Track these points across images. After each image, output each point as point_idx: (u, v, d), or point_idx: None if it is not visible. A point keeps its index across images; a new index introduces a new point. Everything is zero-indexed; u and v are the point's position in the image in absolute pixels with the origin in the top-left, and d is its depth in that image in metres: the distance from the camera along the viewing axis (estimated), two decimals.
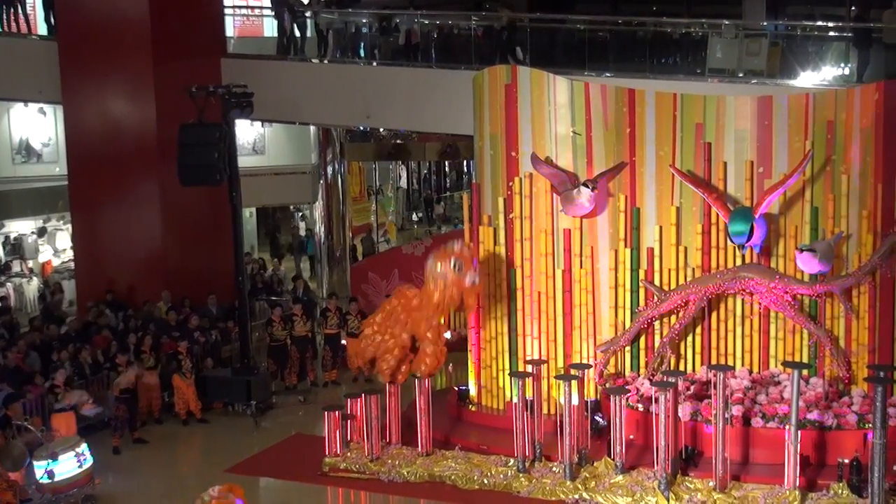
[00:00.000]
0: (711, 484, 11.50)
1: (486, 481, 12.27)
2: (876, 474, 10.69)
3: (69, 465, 11.84)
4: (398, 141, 27.65)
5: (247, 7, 23.38)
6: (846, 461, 11.49)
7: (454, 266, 12.52)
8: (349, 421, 13.39)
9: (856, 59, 17.68)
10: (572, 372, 12.91)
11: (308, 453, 13.46)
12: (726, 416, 11.71)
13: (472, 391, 14.71)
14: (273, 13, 20.68)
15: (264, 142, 23.29)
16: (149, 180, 18.34)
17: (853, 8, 21.78)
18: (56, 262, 23.31)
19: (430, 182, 39.31)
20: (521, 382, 12.57)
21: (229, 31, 21.41)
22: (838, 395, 12.82)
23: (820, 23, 21.24)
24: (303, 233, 27.85)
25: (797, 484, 11.26)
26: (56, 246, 23.65)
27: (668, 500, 11.36)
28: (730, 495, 11.35)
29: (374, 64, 19.94)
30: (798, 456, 11.30)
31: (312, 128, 23.21)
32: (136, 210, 18.45)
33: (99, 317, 17.25)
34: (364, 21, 20.85)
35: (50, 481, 11.60)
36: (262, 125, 22.80)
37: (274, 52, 20.49)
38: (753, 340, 13.56)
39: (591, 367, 13.59)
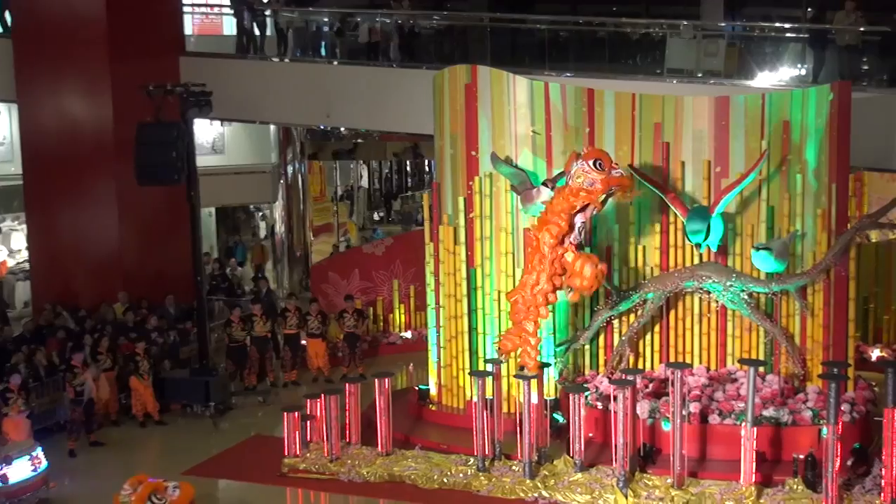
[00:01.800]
0: (669, 481, 11.60)
1: (445, 480, 12.27)
2: (830, 469, 10.84)
3: (23, 468, 11.70)
4: (359, 140, 27.61)
5: (206, 5, 23.16)
6: (801, 457, 11.64)
7: (595, 164, 11.97)
8: (309, 421, 13.33)
9: (812, 59, 17.92)
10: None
11: (267, 454, 13.37)
12: (684, 413, 11.82)
13: (433, 390, 14.71)
14: (232, 11, 20.53)
15: (223, 141, 23.11)
16: (105, 180, 18.15)
17: (809, 9, 22.06)
18: (11, 263, 22.98)
19: (392, 181, 39.23)
20: (480, 381, 12.59)
21: (188, 29, 21.22)
22: (794, 392, 12.97)
23: (777, 24, 21.50)
24: (262, 233, 27.68)
25: (753, 480, 11.38)
26: (11, 246, 23.31)
27: (627, 497, 11.44)
28: (687, 492, 11.45)
29: (335, 63, 19.87)
30: (754, 452, 11.43)
31: (272, 127, 23.09)
32: (93, 210, 18.25)
33: (55, 318, 17.03)
34: (325, 20, 20.77)
35: (3, 485, 11.43)
36: (222, 124, 22.63)
37: (233, 50, 20.34)
38: (711, 338, 13.68)
39: (550, 365, 13.64)
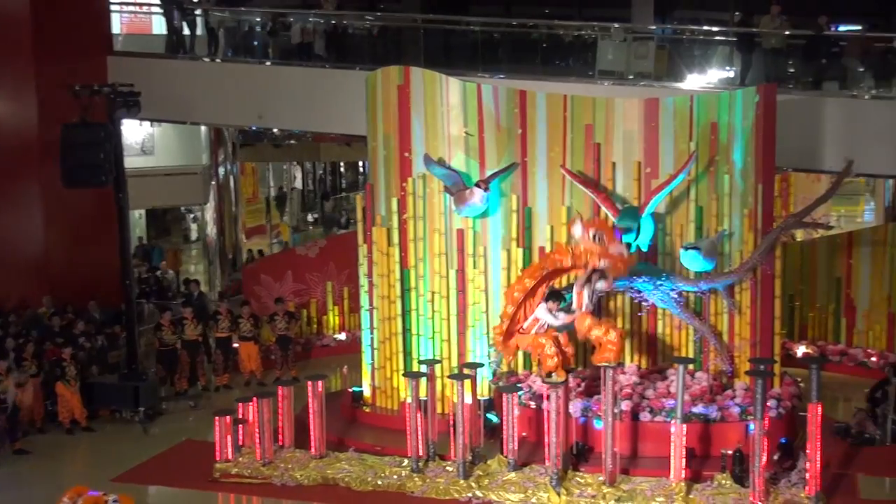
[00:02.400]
0: (601, 478, 11.72)
1: (379, 482, 12.23)
2: (757, 464, 11.05)
3: None
4: (292, 141, 27.43)
5: (134, 4, 22.78)
6: (729, 452, 11.85)
7: (594, 237, 12.05)
8: (241, 425, 13.19)
9: (739, 62, 18.27)
10: (465, 371, 12.99)
11: (199, 459, 13.18)
12: (615, 411, 11.94)
13: (366, 392, 14.66)
14: (161, 10, 20.23)
15: (153, 142, 22.76)
16: (30, 182, 17.74)
17: (736, 13, 22.50)
18: None
19: (326, 182, 39.09)
20: (414, 383, 12.58)
21: (116, 28, 20.86)
22: (722, 389, 13.20)
23: (705, 27, 21.87)
24: (194, 235, 27.37)
25: (683, 476, 11.55)
26: None
27: (560, 496, 11.52)
28: (619, 489, 11.58)
29: (268, 63, 19.70)
30: (684, 448, 11.60)
31: (203, 128, 22.81)
32: (17, 213, 17.81)
33: None
34: (257, 20, 20.58)
35: None
36: (151, 125, 22.28)
37: (163, 50, 20.04)
38: (641, 337, 13.86)
39: (484, 365, 13.68)
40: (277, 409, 13.15)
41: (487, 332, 13.91)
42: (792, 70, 18.39)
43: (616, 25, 19.50)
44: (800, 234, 17.35)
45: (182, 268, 23.87)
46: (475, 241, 13.93)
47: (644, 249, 13.37)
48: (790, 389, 13.38)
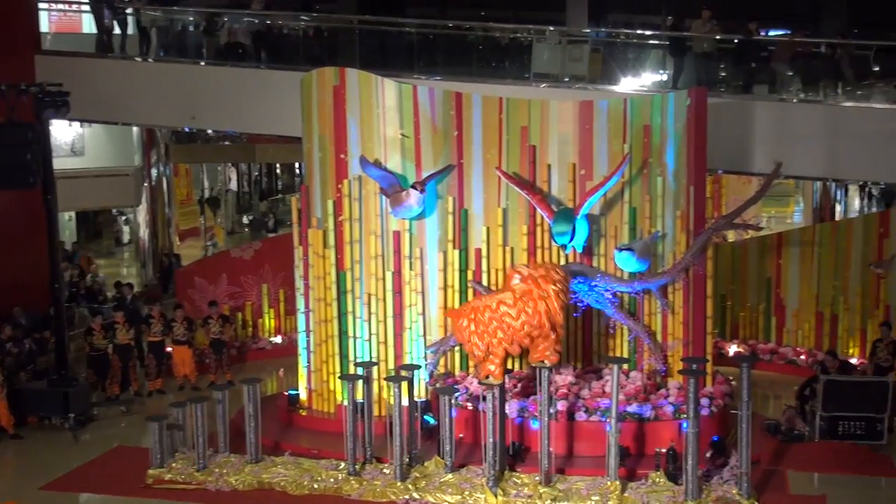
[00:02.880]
0: (538, 478, 11.78)
1: (316, 486, 12.15)
2: (690, 462, 11.21)
3: None
4: (226, 142, 27.14)
5: (63, 2, 22.32)
6: (663, 451, 12.01)
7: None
8: (175, 430, 12.99)
9: (671, 66, 18.55)
10: (402, 373, 12.97)
11: (131, 465, 12.97)
12: (551, 411, 12.02)
13: (303, 395, 14.55)
14: (91, 9, 19.85)
15: (83, 142, 22.33)
16: None
17: (669, 17, 22.83)
18: None
19: (262, 184, 38.75)
20: (350, 385, 12.52)
21: (44, 26, 20.42)
22: (656, 388, 13.37)
23: (638, 31, 22.17)
24: (126, 238, 26.91)
25: (618, 474, 11.67)
26: None
27: (496, 496, 11.55)
28: (555, 488, 11.65)
29: (202, 63, 19.44)
30: (618, 447, 11.72)
31: (135, 128, 22.44)
32: None
33: None
34: (190, 19, 20.31)
35: None
36: (81, 125, 21.87)
37: (93, 49, 19.67)
38: (577, 337, 13.98)
39: (421, 367, 13.68)
40: (212, 414, 12.97)
41: (424, 335, 13.91)
42: (723, 74, 18.73)
43: (551, 28, 19.68)
44: (731, 235, 17.65)
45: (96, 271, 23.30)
46: (411, 243, 13.91)
47: (579, 250, 13.48)
48: (722, 388, 13.60)
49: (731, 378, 14.10)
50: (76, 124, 21.67)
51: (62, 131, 21.51)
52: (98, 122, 21.22)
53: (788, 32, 20.88)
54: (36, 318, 17.01)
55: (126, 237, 27.94)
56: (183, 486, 12.37)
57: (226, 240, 29.90)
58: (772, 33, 22.05)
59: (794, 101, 17.30)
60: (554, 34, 19.23)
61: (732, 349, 17.31)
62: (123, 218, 28.30)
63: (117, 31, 19.55)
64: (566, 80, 18.33)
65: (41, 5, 20.07)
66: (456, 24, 20.58)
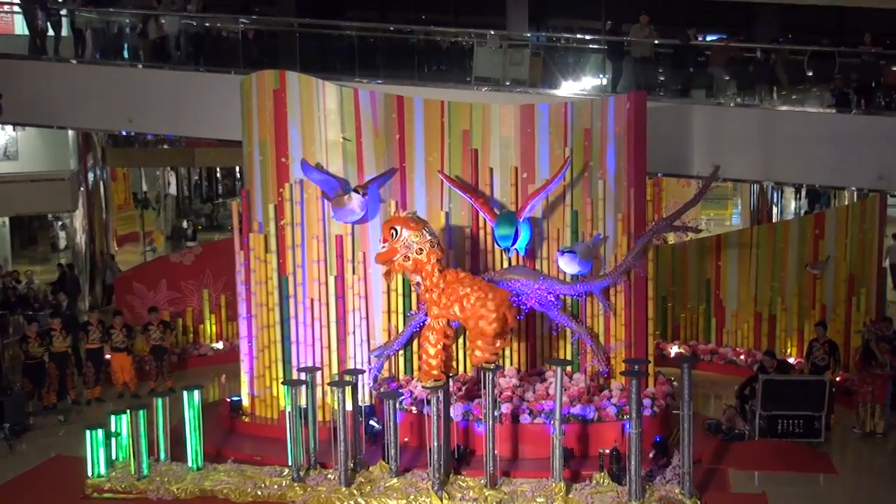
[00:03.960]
0: (483, 481, 11.79)
1: (259, 493, 12.02)
2: (633, 462, 11.31)
3: None
4: (165, 146, 26.76)
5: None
6: (606, 451, 12.10)
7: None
8: (114, 439, 12.76)
9: (610, 70, 18.73)
10: (346, 378, 12.90)
11: (70, 475, 12.72)
12: (496, 414, 12.04)
13: (245, 402, 14.39)
14: (22, 10, 19.42)
15: (17, 146, 21.84)
16: None
17: (608, 22, 23.06)
18: None
19: (202, 188, 38.31)
20: (294, 391, 12.42)
21: None
22: (599, 390, 13.47)
23: (578, 35, 22.35)
24: (63, 243, 26.37)
25: (562, 476, 11.73)
26: None
27: (442, 500, 11.54)
28: (500, 491, 11.67)
29: (139, 66, 19.14)
30: (562, 449, 11.77)
31: (71, 132, 22.02)
32: None
33: None
34: (127, 21, 19.98)
35: None
36: (15, 129, 21.39)
37: (26, 50, 19.24)
38: (521, 340, 14.03)
39: (365, 372, 13.62)
40: (153, 421, 12.76)
41: (368, 339, 13.85)
42: (661, 78, 18.98)
43: (492, 32, 19.73)
44: (671, 238, 17.92)
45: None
46: (354, 247, 13.85)
47: (522, 253, 13.54)
48: (664, 388, 13.75)
49: (672, 379, 14.27)
50: (9, 128, 21.20)
51: None
52: (32, 126, 20.78)
53: (724, 37, 21.20)
54: None
55: (62, 243, 27.35)
56: (123, 496, 12.17)
57: (164, 245, 29.46)
58: (708, 38, 22.37)
59: (731, 105, 17.60)
60: (495, 38, 19.31)
61: (674, 350, 17.52)
62: (60, 223, 27.73)
63: (51, 32, 19.15)
64: (507, 83, 18.42)
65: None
66: (397, 27, 20.55)
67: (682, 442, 11.50)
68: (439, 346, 11.89)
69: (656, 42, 18.40)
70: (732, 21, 25.24)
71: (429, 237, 11.78)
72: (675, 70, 18.83)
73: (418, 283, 12.04)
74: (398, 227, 11.72)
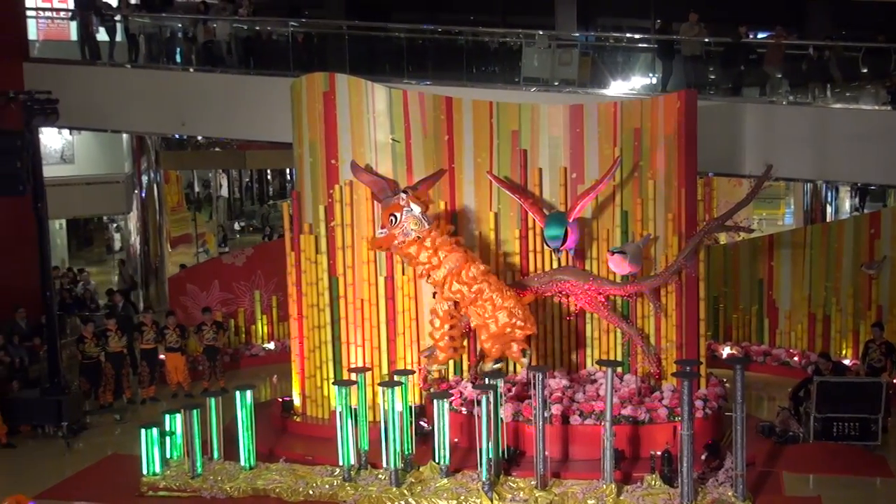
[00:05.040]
0: (533, 482, 11.78)
1: (311, 492, 12.12)
2: (685, 464, 11.22)
3: None
4: (216, 149, 27.10)
5: (52, 9, 22.26)
6: (658, 453, 12.01)
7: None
8: (168, 437, 12.95)
9: (660, 69, 18.59)
10: (396, 378, 12.95)
11: (125, 473, 12.92)
12: (546, 415, 12.02)
13: (297, 402, 14.52)
14: (78, 16, 19.81)
15: (73, 150, 22.27)
16: None
17: (657, 21, 22.90)
18: None
19: (253, 190, 38.74)
20: (344, 391, 12.50)
21: (32, 33, 20.36)
22: (650, 391, 13.38)
23: (627, 34, 22.22)
24: (117, 245, 26.79)
25: (613, 478, 11.67)
26: None
27: (492, 501, 11.55)
28: (550, 492, 11.65)
29: (191, 70, 19.40)
30: (613, 450, 11.71)
31: (125, 135, 22.39)
32: None
33: None
34: (179, 25, 20.28)
35: None
36: (71, 133, 21.82)
37: (82, 56, 19.62)
38: (570, 341, 13.98)
39: (415, 372, 13.66)
40: (206, 421, 12.92)
41: (417, 340, 13.90)
42: (712, 76, 18.79)
43: (540, 33, 19.69)
44: (723, 238, 17.67)
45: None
46: None
47: (571, 254, 13.49)
48: (716, 390, 13.62)
49: (724, 380, 14.12)
50: (66, 132, 21.62)
51: (52, 139, 21.46)
52: (88, 130, 21.19)
53: (773, 34, 20.94)
54: (29, 326, 16.92)
55: (117, 244, 27.82)
56: (178, 494, 12.33)
57: (217, 246, 29.81)
58: (760, 36, 22.12)
59: (784, 103, 17.37)
60: (543, 38, 19.27)
61: (725, 351, 17.34)
62: (114, 225, 28.21)
63: (105, 37, 19.49)
64: (556, 83, 18.36)
65: (29, 13, 19.99)
66: (445, 28, 20.60)
67: (734, 444, 11.39)
68: (445, 328, 12.00)
69: (706, 40, 18.23)
70: (784, 18, 24.93)
71: (426, 224, 12.22)
72: (725, 68, 18.63)
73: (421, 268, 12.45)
74: (397, 215, 12.11)
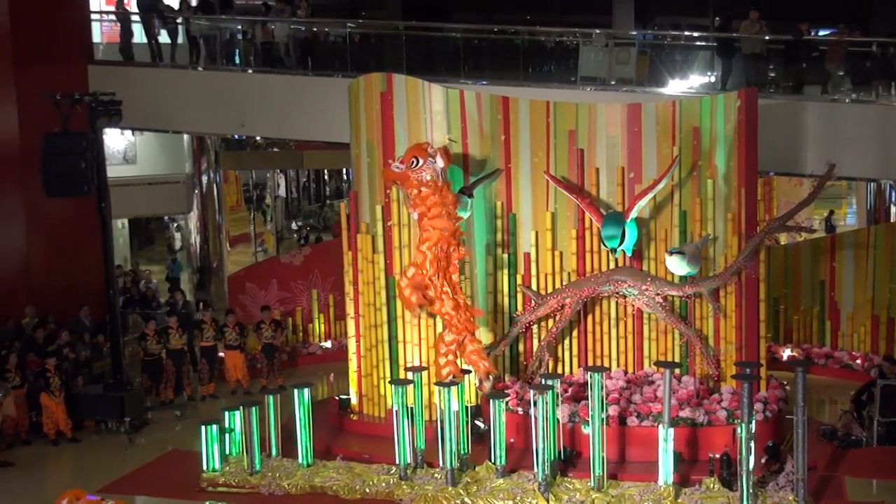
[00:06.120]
0: (590, 483, 11.72)
1: (368, 490, 12.21)
2: (744, 468, 11.08)
3: None
4: (275, 149, 27.37)
5: (115, 13, 22.68)
6: (717, 456, 11.88)
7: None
8: (228, 434, 13.13)
9: (720, 67, 18.37)
10: (452, 378, 12.97)
11: (185, 469, 13.14)
12: (603, 416, 11.96)
13: (353, 400, 14.62)
14: (141, 19, 20.16)
15: (135, 150, 22.67)
16: (11, 192, 17.62)
17: (716, 18, 22.63)
18: None
19: (310, 190, 39.02)
20: (401, 390, 12.56)
21: (97, 36, 20.76)
22: (708, 393, 13.24)
23: (686, 32, 21.98)
24: (178, 244, 27.18)
25: (671, 480, 11.57)
26: None
27: (548, 502, 11.52)
28: (607, 494, 11.58)
29: (250, 71, 19.64)
30: (671, 453, 11.61)
31: (186, 136, 22.74)
32: None
33: None
34: (238, 27, 20.54)
35: None
36: (133, 133, 22.21)
37: (144, 58, 19.96)
38: (628, 342, 13.89)
39: (471, 372, 13.67)
40: (265, 418, 13.08)
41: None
42: (773, 74, 18.51)
43: (597, 31, 19.57)
44: (783, 238, 17.45)
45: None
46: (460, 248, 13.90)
47: (629, 254, 13.40)
48: (776, 393, 13.43)
49: (785, 383, 13.91)
50: (128, 133, 22.02)
51: (115, 140, 21.85)
52: (150, 131, 21.56)
53: (837, 31, 20.57)
54: (93, 323, 17.27)
55: (178, 244, 28.23)
56: (237, 490, 12.50)
57: (275, 245, 30.12)
58: (822, 33, 21.74)
59: (846, 101, 17.05)
60: (600, 37, 19.14)
61: (786, 353, 17.08)
62: (175, 225, 28.64)
63: (165, 40, 19.82)
64: (613, 83, 18.24)
65: (93, 16, 20.39)
66: (501, 28, 20.57)
67: (795, 448, 11.22)
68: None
69: (767, 38, 17.97)
70: (848, 14, 24.50)
71: (440, 181, 12.47)
72: (786, 66, 18.34)
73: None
74: (419, 159, 12.37)
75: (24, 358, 15.13)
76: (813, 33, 19.88)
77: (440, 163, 12.48)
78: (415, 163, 12.40)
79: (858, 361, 16.65)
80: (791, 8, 23.24)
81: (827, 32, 21.46)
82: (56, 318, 17.00)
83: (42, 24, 17.90)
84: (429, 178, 12.43)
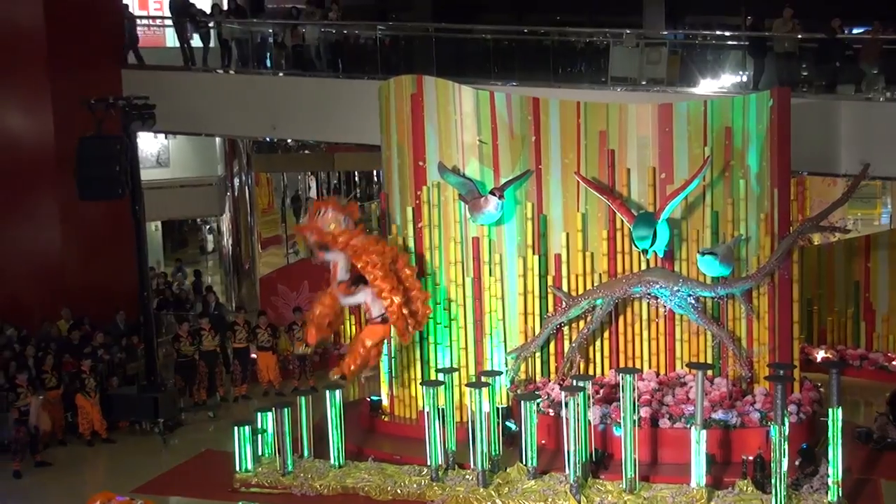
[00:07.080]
0: (621, 486, 11.68)
1: (399, 491, 12.25)
2: (778, 470, 10.99)
3: None
4: (306, 151, 27.49)
5: (148, 17, 22.89)
6: (750, 458, 11.80)
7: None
8: (260, 435, 13.21)
9: (752, 67, 18.22)
10: (483, 379, 12.98)
11: (219, 469, 13.26)
12: (635, 418, 11.91)
13: (385, 401, 14.66)
14: (174, 24, 20.33)
15: (168, 154, 22.87)
16: (47, 195, 17.85)
17: (748, 18, 22.45)
18: None
19: (341, 192, 39.11)
20: (432, 391, 12.58)
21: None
22: (741, 394, 13.15)
23: (717, 32, 21.82)
24: (210, 246, 27.37)
25: (704, 482, 11.50)
26: None
27: (580, 503, 11.49)
28: (639, 496, 11.54)
29: (281, 74, 19.75)
30: (704, 455, 11.55)
31: (218, 139, 22.90)
32: (34, 225, 17.93)
33: None
34: (269, 31, 20.66)
35: None
36: (166, 137, 22.41)
37: (177, 62, 20.12)
38: (659, 343, 13.82)
39: (502, 373, 13.68)
40: (297, 419, 13.16)
41: (504, 340, 13.90)
42: (805, 73, 18.33)
43: (628, 31, 19.48)
44: (817, 238, 17.27)
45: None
46: (491, 249, 13.92)
47: (660, 255, 13.34)
48: (810, 394, 13.33)
49: (819, 384, 13.79)
50: (161, 136, 22.20)
51: (148, 143, 22.05)
52: (182, 134, 21.74)
53: (870, 28, 20.34)
54: (127, 325, 17.44)
55: (210, 246, 28.45)
56: (269, 491, 12.58)
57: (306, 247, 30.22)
58: (855, 31, 21.50)
59: (881, 99, 16.85)
60: (631, 37, 19.05)
61: (820, 355, 16.93)
62: (207, 227, 28.86)
63: (197, 43, 19.97)
64: (644, 83, 18.14)
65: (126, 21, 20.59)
66: (531, 29, 20.53)
67: (830, 450, 11.11)
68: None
69: (800, 37, 17.81)
70: (882, 12, 24.20)
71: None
72: (819, 65, 18.15)
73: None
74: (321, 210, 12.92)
75: (60, 359, 15.31)
76: (846, 31, 19.66)
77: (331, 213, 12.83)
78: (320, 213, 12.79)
79: (894, 363, 16.46)
80: (823, 5, 22.97)
81: (860, 30, 21.21)
82: (91, 319, 17.19)
83: (76, 30, 18.10)
84: (332, 226, 12.70)
